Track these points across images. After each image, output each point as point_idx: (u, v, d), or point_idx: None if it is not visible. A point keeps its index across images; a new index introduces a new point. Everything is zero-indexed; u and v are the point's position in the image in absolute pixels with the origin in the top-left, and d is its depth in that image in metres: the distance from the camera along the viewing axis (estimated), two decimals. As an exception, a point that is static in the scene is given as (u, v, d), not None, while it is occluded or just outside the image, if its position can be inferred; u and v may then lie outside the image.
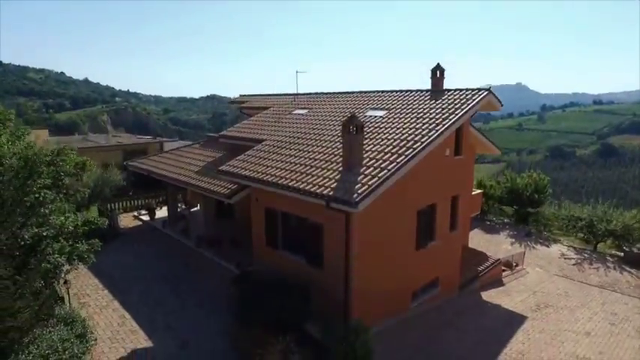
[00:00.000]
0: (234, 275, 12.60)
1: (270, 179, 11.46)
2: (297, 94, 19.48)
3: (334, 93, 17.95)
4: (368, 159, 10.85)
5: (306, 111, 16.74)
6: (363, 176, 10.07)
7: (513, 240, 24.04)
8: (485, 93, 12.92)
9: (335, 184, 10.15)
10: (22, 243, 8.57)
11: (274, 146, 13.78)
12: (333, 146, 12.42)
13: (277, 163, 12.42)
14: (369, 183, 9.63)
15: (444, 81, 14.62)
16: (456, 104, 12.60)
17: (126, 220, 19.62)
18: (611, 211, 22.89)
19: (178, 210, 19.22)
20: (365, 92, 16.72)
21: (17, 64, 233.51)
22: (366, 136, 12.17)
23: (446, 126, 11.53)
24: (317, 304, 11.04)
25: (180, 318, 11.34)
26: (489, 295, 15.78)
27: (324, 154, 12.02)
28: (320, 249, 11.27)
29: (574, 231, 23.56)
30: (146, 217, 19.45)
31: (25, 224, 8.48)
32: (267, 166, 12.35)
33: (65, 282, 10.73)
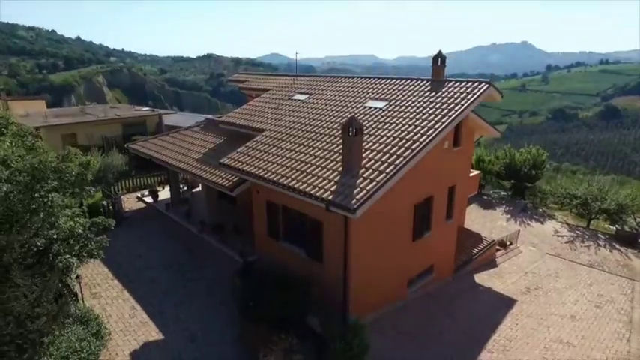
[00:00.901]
0: (238, 267, 13.14)
1: (271, 177, 11.69)
2: (297, 75, 19.26)
3: (335, 77, 17.75)
4: (367, 159, 11.03)
5: (305, 96, 16.65)
6: (362, 179, 10.30)
7: (509, 216, 24.58)
8: (485, 87, 12.85)
9: (334, 186, 10.41)
10: (35, 249, 8.97)
11: (274, 138, 13.88)
12: (333, 141, 12.54)
13: (277, 158, 12.59)
14: (368, 188, 9.88)
15: (444, 70, 14.52)
16: (455, 99, 12.58)
17: (129, 202, 20.03)
18: (606, 188, 23.24)
19: (180, 191, 19.55)
20: (366, 78, 16.56)
21: (5, 21, 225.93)
22: (366, 132, 12.27)
23: (445, 124, 11.60)
24: (316, 295, 11.65)
25: (189, 309, 12.00)
26: (482, 278, 16.44)
27: (324, 151, 12.18)
28: (319, 244, 11.72)
29: (569, 207, 24.05)
30: (149, 199, 19.84)
31: (37, 233, 8.82)
32: (268, 162, 12.53)
33: (77, 277, 11.25)
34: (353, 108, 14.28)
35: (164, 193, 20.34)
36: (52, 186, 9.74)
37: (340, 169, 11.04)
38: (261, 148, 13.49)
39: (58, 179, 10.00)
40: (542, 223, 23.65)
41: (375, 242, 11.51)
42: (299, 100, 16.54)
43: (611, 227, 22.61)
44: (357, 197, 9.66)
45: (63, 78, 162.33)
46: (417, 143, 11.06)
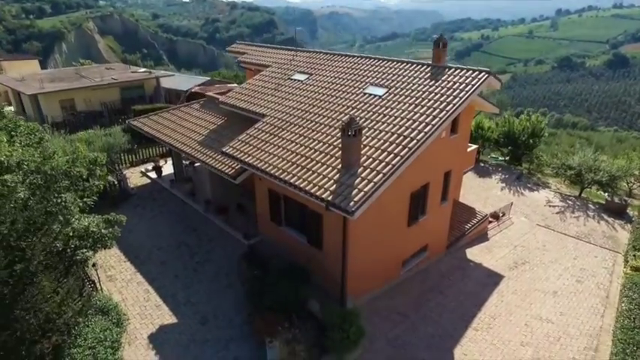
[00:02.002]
0: (243, 251, 13.96)
1: (272, 171, 12.13)
2: (297, 50, 18.99)
3: (335, 54, 17.52)
4: (365, 157, 11.41)
5: (305, 77, 16.60)
6: (360, 179, 10.76)
7: (504, 185, 25.22)
8: (484, 77, 12.89)
9: (334, 185, 10.89)
10: (55, 251, 9.66)
11: (275, 126, 14.11)
12: (332, 133, 12.82)
13: (278, 150, 12.93)
14: (365, 190, 10.38)
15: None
16: (454, 90, 12.69)
17: (134, 178, 20.56)
18: (601, 159, 23.62)
19: (183, 166, 19.99)
20: (366, 57, 16.39)
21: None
22: (365, 124, 12.54)
23: (443, 119, 11.85)
24: (316, 279, 12.59)
25: (198, 292, 12.98)
26: (473, 253, 17.37)
27: (324, 144, 12.51)
28: (319, 233, 12.44)
29: (564, 177, 24.63)
30: (153, 175, 20.34)
31: (57, 237, 9.45)
32: (269, 154, 12.90)
33: (93, 265, 12.08)
34: (353, 95, 14.37)
35: (167, 167, 20.78)
36: (63, 185, 10.23)
37: (339, 166, 11.46)
38: (263, 137, 13.78)
39: (68, 179, 10.49)
40: (537, 191, 24.31)
41: (372, 231, 12.20)
42: (298, 80, 16.50)
43: (603, 194, 23.31)
44: (355, 199, 10.18)
45: (51, 24, 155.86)
46: (415, 141, 11.38)
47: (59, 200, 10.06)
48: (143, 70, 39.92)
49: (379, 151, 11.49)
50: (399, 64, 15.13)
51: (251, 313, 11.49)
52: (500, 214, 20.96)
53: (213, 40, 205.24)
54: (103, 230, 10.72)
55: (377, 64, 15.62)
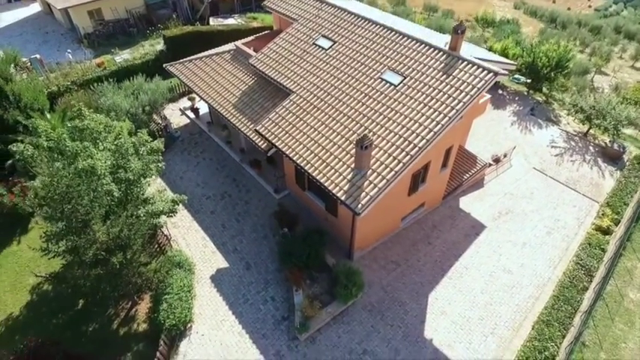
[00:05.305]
0: (274, 210, 17.56)
1: (298, 160, 14.80)
2: (322, 2, 19.24)
3: (359, 17, 17.90)
4: (374, 159, 13.87)
5: (329, 44, 17.57)
6: (367, 183, 13.49)
7: (515, 119, 26.55)
8: (492, 77, 14.09)
9: (347, 185, 13.70)
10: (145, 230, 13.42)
11: (301, 108, 16.09)
12: (350, 125, 14.97)
13: (303, 137, 15.29)
14: (371, 194, 13.20)
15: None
16: (461, 91, 14.12)
17: (174, 117, 23.20)
18: (614, 103, 24.12)
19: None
20: (389, 30, 16.91)
21: None
22: (377, 120, 14.56)
23: (445, 126, 13.75)
24: (331, 237, 16.40)
25: (242, 242, 17.08)
26: (465, 202, 20.37)
27: (342, 137, 14.80)
28: (335, 205, 15.72)
29: (574, 116, 25.68)
30: (191, 115, 22.87)
31: (145, 221, 13.06)
32: (295, 139, 15.33)
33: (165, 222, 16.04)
34: (370, 79, 15.81)
35: (203, 104, 23.02)
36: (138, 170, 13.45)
37: (353, 165, 14.05)
38: (290, 119, 15.96)
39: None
40: (544, 128, 25.65)
41: (377, 206, 15.32)
42: (322, 48, 17.55)
43: (606, 139, 24.75)
44: (362, 203, 13.14)
45: None
46: (417, 148, 13.61)
47: (138, 189, 13.49)
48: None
49: (386, 154, 13.86)
50: (419, 45, 15.92)
51: (280, 267, 15.72)
52: (502, 157, 23.04)
53: None
54: (172, 207, 14.30)
55: (398, 41, 16.37)
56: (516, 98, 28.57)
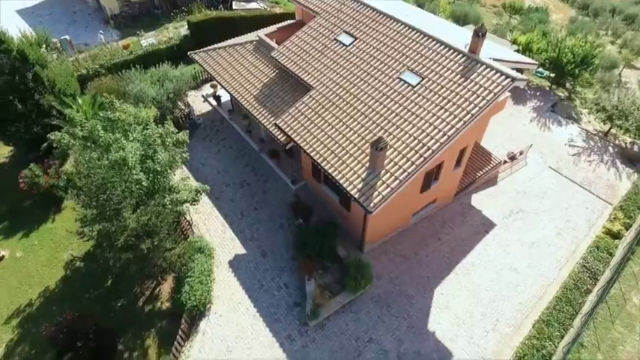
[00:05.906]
0: (290, 201, 18.33)
1: (315, 156, 15.41)
2: (344, -4, 19.34)
3: (381, 14, 18.01)
4: (388, 160, 14.38)
5: (350, 40, 17.83)
6: (380, 182, 14.06)
7: (534, 115, 26.34)
8: (510, 83, 14.27)
9: (361, 184, 14.30)
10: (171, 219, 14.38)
11: (320, 104, 16.56)
12: (366, 124, 15.42)
13: (321, 133, 15.82)
14: (383, 193, 13.79)
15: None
16: (477, 96, 14.36)
17: (197, 103, 23.93)
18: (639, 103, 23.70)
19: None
20: (410, 28, 17.04)
21: None
22: (393, 121, 14.98)
23: (459, 130, 14.10)
24: (343, 230, 17.15)
25: (259, 230, 17.98)
26: (477, 199, 20.70)
27: (358, 136, 15.29)
28: (348, 200, 16.39)
29: (595, 116, 25.37)
30: (213, 102, 23.55)
31: (171, 210, 14.00)
32: (313, 136, 15.88)
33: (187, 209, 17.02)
34: (389, 79, 16.11)
35: (224, 91, 23.64)
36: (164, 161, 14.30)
37: (367, 164, 14.60)
38: (309, 115, 16.48)
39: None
40: (564, 126, 25.41)
41: (389, 204, 15.94)
42: (343, 45, 17.83)
43: (627, 140, 24.46)
44: (375, 202, 13.76)
45: None
46: (430, 151, 14.05)
47: (165, 179, 14.40)
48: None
49: (400, 155, 14.34)
50: (440, 46, 16.06)
51: (295, 256, 16.61)
52: (518, 155, 23.08)
53: None
54: (195, 197, 15.20)
55: (419, 40, 16.52)
56: (537, 93, 28.25)
